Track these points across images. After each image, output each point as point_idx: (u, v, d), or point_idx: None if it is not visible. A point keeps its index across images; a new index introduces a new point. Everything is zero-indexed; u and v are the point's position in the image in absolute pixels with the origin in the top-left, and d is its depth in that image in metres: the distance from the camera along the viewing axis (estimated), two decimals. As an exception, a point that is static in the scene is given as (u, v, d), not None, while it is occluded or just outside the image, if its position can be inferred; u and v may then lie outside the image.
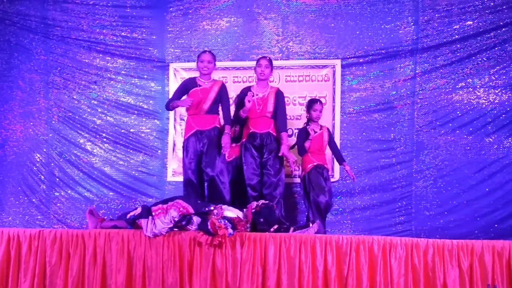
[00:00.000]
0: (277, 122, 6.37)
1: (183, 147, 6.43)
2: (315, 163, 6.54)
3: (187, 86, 6.40)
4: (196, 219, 5.60)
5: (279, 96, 6.45)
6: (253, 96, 6.19)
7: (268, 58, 6.55)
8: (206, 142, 6.22)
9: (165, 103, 6.71)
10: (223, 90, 6.41)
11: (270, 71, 6.47)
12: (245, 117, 6.47)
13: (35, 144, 8.16)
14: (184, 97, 6.45)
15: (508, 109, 7.12)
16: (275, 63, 7.49)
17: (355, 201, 7.29)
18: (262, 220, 5.73)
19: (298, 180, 7.30)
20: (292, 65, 7.67)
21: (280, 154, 6.25)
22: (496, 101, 7.17)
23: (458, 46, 7.30)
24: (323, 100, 7.47)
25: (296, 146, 6.77)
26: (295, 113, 7.59)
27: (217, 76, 7.64)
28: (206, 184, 6.42)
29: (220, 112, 6.44)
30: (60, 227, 7.72)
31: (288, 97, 7.57)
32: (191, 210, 5.57)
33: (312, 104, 6.67)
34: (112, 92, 8.04)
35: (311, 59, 7.64)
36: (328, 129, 6.83)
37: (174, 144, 7.77)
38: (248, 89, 6.51)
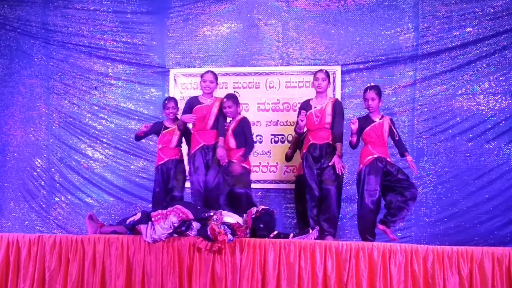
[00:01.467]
0: (333, 132, 6.26)
1: (189, 160, 6.57)
2: (375, 156, 6.11)
3: (191, 104, 6.57)
4: (195, 225, 5.60)
5: (336, 106, 6.31)
6: (305, 115, 6.19)
7: (324, 71, 6.42)
8: (211, 155, 6.44)
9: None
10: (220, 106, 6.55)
11: (327, 84, 6.37)
12: (303, 133, 6.48)
13: (35, 149, 8.18)
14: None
15: (508, 115, 7.13)
16: (275, 69, 7.57)
17: (355, 207, 7.25)
18: (262, 225, 5.73)
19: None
20: (293, 71, 7.68)
21: (330, 164, 6.13)
22: (496, 107, 7.17)
23: (458, 52, 7.31)
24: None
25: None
26: (295, 119, 7.55)
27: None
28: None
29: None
30: (60, 232, 7.72)
31: (288, 103, 7.59)
32: (191, 216, 5.57)
33: (364, 93, 6.30)
34: (113, 97, 8.06)
35: (312, 65, 7.65)
36: (391, 119, 6.33)
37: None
38: (307, 102, 6.41)
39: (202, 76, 6.62)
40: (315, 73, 6.40)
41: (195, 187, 6.47)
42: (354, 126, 6.05)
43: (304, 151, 6.32)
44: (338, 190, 6.21)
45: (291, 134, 7.44)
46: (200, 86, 6.67)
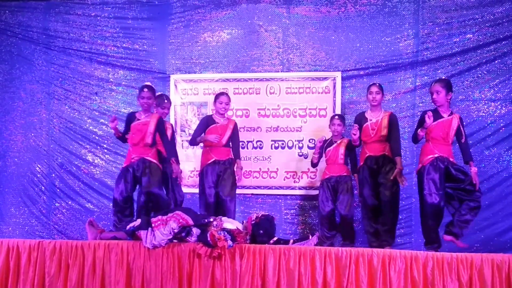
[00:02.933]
0: (391, 146, 6.29)
1: (200, 173, 6.77)
2: (436, 155, 5.92)
3: (207, 123, 6.78)
4: (195, 231, 5.59)
5: (392, 119, 6.36)
6: (357, 129, 6.29)
7: (378, 84, 6.50)
8: (222, 170, 6.66)
9: (190, 139, 6.92)
10: (236, 128, 6.86)
11: (381, 97, 6.44)
12: (358, 145, 6.50)
13: (36, 154, 8.19)
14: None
15: (508, 122, 7.13)
16: (275, 75, 7.59)
17: (355, 213, 7.25)
18: (261, 232, 5.74)
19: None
20: (293, 77, 7.70)
21: (391, 178, 6.14)
22: (496, 114, 7.18)
23: (458, 59, 7.33)
24: (322, 112, 7.52)
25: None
26: (296, 124, 7.61)
27: (218, 88, 7.71)
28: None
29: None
30: (60, 238, 7.73)
31: (289, 109, 7.60)
32: (191, 222, 5.57)
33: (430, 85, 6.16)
34: (113, 103, 8.07)
35: (312, 71, 7.68)
36: (460, 117, 6.04)
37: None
38: (362, 115, 6.51)
39: (217, 97, 6.81)
40: (368, 87, 6.52)
41: (206, 200, 6.64)
42: (430, 120, 5.82)
43: (361, 163, 6.43)
44: (397, 202, 6.32)
45: (291, 140, 7.47)
46: (215, 107, 6.84)
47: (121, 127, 6.53)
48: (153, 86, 6.55)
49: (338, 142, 6.65)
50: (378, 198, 6.29)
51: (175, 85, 7.93)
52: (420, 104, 7.36)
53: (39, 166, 8.17)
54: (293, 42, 7.75)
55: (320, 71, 7.66)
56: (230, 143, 6.81)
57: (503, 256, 5.17)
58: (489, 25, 7.24)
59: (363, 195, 6.39)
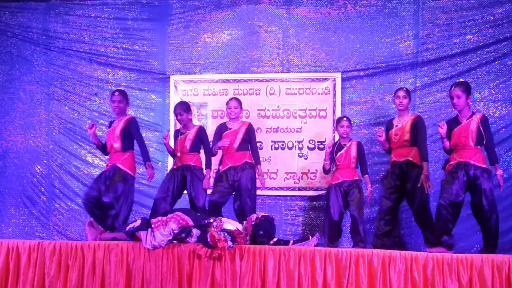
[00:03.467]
0: (419, 150, 6.21)
1: (216, 177, 6.88)
2: (456, 161, 5.89)
3: (220, 131, 6.81)
4: (195, 232, 5.60)
5: (415, 123, 6.29)
6: (383, 131, 6.36)
7: (405, 88, 6.49)
8: (239, 176, 6.63)
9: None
10: (250, 130, 6.83)
11: (408, 101, 6.39)
12: (387, 149, 6.53)
13: (35, 155, 8.18)
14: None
15: (508, 123, 7.13)
16: (275, 75, 7.60)
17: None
18: (261, 232, 5.73)
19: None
20: (293, 78, 7.69)
21: (419, 185, 6.07)
22: (496, 114, 7.17)
23: (458, 60, 7.33)
24: (322, 113, 7.52)
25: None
26: (296, 125, 7.60)
27: (218, 89, 7.71)
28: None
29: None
30: (60, 238, 7.71)
31: (289, 110, 7.60)
32: (191, 223, 5.57)
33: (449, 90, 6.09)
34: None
35: (312, 72, 7.67)
36: (482, 117, 5.93)
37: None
38: (390, 121, 6.50)
39: (227, 103, 6.85)
40: (395, 92, 6.49)
41: (215, 198, 6.63)
42: (442, 130, 5.89)
43: (389, 168, 6.45)
44: (427, 205, 6.23)
45: (291, 141, 7.49)
46: (226, 113, 6.90)
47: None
48: (125, 91, 6.69)
49: (348, 145, 6.59)
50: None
51: (175, 86, 7.92)
52: (420, 105, 7.36)
53: (38, 167, 8.17)
54: (293, 43, 7.75)
55: (320, 72, 7.65)
56: (249, 146, 6.79)
57: (503, 257, 5.18)
58: (489, 26, 7.24)
59: (383, 197, 6.41)
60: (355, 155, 6.54)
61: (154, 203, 6.65)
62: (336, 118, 7.25)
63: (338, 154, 6.58)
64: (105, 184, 6.36)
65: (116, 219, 6.27)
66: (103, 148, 6.64)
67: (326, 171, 6.77)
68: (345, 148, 6.57)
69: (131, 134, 6.49)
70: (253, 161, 6.78)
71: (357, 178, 6.55)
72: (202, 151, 6.80)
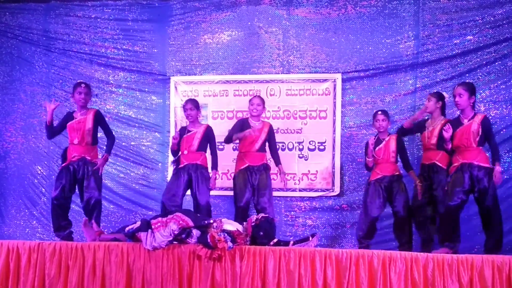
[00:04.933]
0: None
1: (234, 178, 6.77)
2: (460, 162, 5.86)
3: (242, 126, 6.68)
4: (195, 232, 5.59)
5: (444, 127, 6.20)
6: (450, 127, 6.00)
7: (434, 92, 6.49)
8: (257, 177, 6.60)
9: (225, 137, 6.83)
10: (271, 131, 6.77)
11: (435, 103, 6.34)
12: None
13: (36, 156, 8.19)
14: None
15: (509, 123, 7.12)
16: (275, 76, 7.62)
17: (355, 215, 7.25)
18: (261, 233, 5.72)
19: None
20: (293, 79, 7.70)
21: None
22: (497, 115, 7.16)
23: (459, 60, 7.32)
24: (323, 114, 7.52)
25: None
26: (296, 126, 7.61)
27: (218, 90, 7.71)
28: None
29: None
30: (60, 239, 7.70)
31: (289, 111, 7.60)
32: (191, 223, 5.56)
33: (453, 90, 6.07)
34: (113, 105, 8.07)
35: (312, 73, 7.68)
36: (483, 118, 5.90)
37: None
38: (423, 123, 6.47)
39: (250, 100, 6.77)
40: (428, 96, 6.51)
41: (237, 204, 6.62)
42: (447, 134, 5.83)
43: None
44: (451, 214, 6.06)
45: (291, 142, 7.49)
46: (248, 109, 6.76)
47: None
48: (89, 84, 6.65)
49: (387, 139, 6.43)
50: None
51: (175, 87, 7.93)
52: (421, 106, 7.31)
53: (39, 167, 8.17)
54: (293, 44, 7.75)
55: (320, 72, 7.66)
56: (267, 147, 6.77)
57: (504, 258, 5.16)
58: (489, 26, 7.23)
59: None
60: (394, 149, 6.37)
61: (163, 204, 6.61)
62: (335, 119, 7.27)
63: (377, 148, 6.40)
64: (75, 178, 6.41)
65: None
66: (51, 129, 6.52)
67: (368, 169, 6.56)
68: (383, 142, 6.40)
69: (99, 127, 6.59)
70: (273, 161, 6.82)
71: (398, 173, 6.41)
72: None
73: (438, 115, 6.40)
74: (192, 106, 6.64)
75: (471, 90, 5.93)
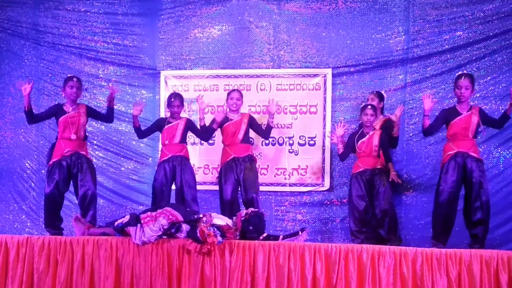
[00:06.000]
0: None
1: (220, 172, 6.77)
2: (455, 151, 5.92)
3: (222, 122, 6.70)
4: (185, 227, 5.57)
5: (480, 113, 6.14)
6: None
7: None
8: (242, 168, 6.63)
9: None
10: (251, 120, 6.82)
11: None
12: None
13: (25, 151, 8.16)
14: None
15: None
16: (265, 71, 7.62)
17: (345, 210, 7.25)
18: (251, 228, 5.71)
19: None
20: (283, 74, 7.70)
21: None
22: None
23: (448, 56, 7.33)
24: (313, 109, 7.52)
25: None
26: (286, 121, 7.61)
27: (208, 85, 7.70)
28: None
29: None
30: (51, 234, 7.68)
31: (279, 106, 7.59)
32: (180, 218, 5.55)
33: (457, 80, 5.98)
34: (103, 99, 8.00)
35: (302, 67, 7.68)
36: (480, 110, 6.03)
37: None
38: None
39: (229, 94, 6.80)
40: (372, 96, 6.71)
41: (223, 197, 6.65)
42: (429, 106, 6.02)
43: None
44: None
45: (281, 137, 7.49)
46: (227, 104, 6.82)
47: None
48: (80, 78, 6.66)
49: (371, 133, 6.43)
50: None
51: (165, 81, 7.91)
52: (410, 101, 7.37)
53: (28, 162, 8.14)
54: (283, 39, 7.74)
55: (310, 67, 7.66)
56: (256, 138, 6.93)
57: (492, 252, 5.20)
58: (479, 22, 7.24)
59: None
60: (377, 143, 6.38)
61: (154, 198, 6.67)
62: (326, 114, 7.28)
63: (360, 142, 6.42)
64: (69, 173, 6.41)
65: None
66: (30, 114, 6.41)
67: (341, 157, 6.62)
68: (367, 137, 6.41)
69: (93, 116, 6.71)
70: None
71: (379, 166, 6.43)
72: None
73: (379, 115, 6.56)
74: (180, 103, 6.70)
75: (474, 83, 6.01)
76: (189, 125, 6.75)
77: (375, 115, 6.47)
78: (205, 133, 6.80)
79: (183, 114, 6.97)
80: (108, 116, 6.78)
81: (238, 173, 6.63)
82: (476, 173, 5.86)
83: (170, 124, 6.66)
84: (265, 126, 6.92)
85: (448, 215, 5.96)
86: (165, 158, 6.65)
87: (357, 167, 6.46)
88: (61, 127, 6.43)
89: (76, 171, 6.41)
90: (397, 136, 6.52)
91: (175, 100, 6.67)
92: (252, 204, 6.48)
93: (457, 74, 6.13)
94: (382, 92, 7.01)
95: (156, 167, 6.89)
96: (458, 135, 5.95)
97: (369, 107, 6.47)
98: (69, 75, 6.67)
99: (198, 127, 6.81)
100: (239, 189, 6.70)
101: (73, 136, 6.40)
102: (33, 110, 6.48)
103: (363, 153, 6.42)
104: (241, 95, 6.80)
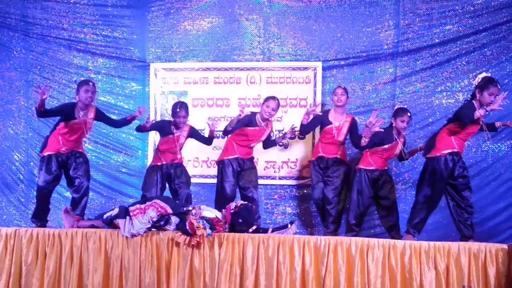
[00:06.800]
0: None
1: (219, 164, 6.79)
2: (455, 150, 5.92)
3: (250, 121, 6.64)
4: (174, 219, 5.56)
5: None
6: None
7: (343, 86, 6.65)
8: (244, 167, 6.73)
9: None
10: (271, 131, 6.92)
11: (346, 98, 6.62)
12: None
13: (14, 143, 8.12)
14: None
15: (487, 113, 7.15)
16: (256, 64, 7.60)
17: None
18: (240, 220, 5.70)
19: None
20: (274, 67, 7.69)
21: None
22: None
23: (438, 50, 7.36)
24: (303, 102, 7.52)
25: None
26: (276, 114, 7.52)
27: (198, 77, 7.69)
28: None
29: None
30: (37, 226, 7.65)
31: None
32: (169, 210, 5.54)
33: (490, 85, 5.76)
34: (92, 91, 7.99)
35: (293, 61, 7.68)
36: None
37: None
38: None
39: (266, 100, 6.66)
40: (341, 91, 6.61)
41: (222, 192, 6.69)
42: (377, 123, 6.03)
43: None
44: None
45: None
46: (261, 110, 6.66)
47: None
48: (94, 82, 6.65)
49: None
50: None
51: (155, 74, 7.88)
52: (400, 95, 7.40)
53: (17, 154, 8.10)
54: (274, 32, 7.74)
55: (301, 61, 7.66)
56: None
57: (480, 245, 5.24)
58: (469, 16, 7.27)
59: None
60: (399, 151, 6.43)
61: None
62: (319, 106, 7.26)
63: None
64: (63, 168, 6.45)
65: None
66: (42, 112, 6.24)
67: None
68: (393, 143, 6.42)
69: (102, 119, 6.72)
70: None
71: (386, 168, 6.56)
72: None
73: (344, 111, 6.62)
74: (186, 113, 6.63)
75: None
76: (192, 133, 6.77)
77: (409, 123, 6.44)
78: (209, 141, 6.87)
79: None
80: (117, 124, 6.95)
81: (240, 172, 6.71)
82: (460, 169, 5.93)
83: (173, 136, 6.65)
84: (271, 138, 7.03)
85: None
86: (158, 163, 6.68)
87: (367, 163, 6.46)
88: (66, 127, 6.37)
89: (70, 166, 6.43)
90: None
91: (181, 110, 6.60)
92: (252, 202, 6.44)
93: (489, 78, 5.83)
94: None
95: (145, 160, 6.88)
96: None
97: (408, 114, 6.31)
98: (83, 79, 6.64)
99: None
100: (239, 187, 6.76)
101: (73, 138, 6.41)
102: (46, 107, 6.34)
103: (379, 153, 6.42)
104: (278, 105, 6.70)
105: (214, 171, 7.15)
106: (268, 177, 7.61)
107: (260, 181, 7.53)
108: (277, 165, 7.63)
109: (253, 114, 6.72)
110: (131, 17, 8.00)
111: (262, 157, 7.60)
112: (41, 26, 8.13)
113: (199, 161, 7.78)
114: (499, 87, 5.77)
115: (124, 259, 5.52)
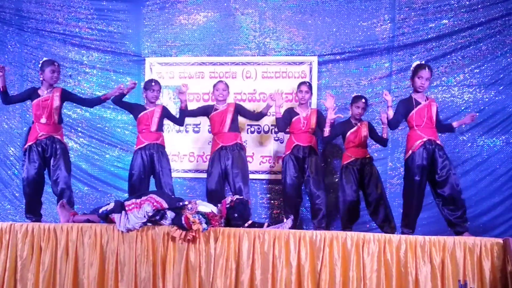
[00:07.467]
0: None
1: (210, 161, 6.83)
2: (424, 139, 5.92)
3: (207, 111, 6.86)
4: (170, 214, 5.55)
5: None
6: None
7: (308, 83, 6.83)
8: (230, 156, 6.70)
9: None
10: (238, 108, 6.91)
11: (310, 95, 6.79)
12: None
13: (9, 137, 8.09)
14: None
15: (482, 107, 7.19)
16: (251, 59, 7.60)
17: (331, 198, 7.26)
18: (236, 215, 5.71)
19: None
20: (269, 61, 7.68)
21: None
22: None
23: (434, 44, 7.36)
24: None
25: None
26: (272, 109, 7.50)
27: (194, 72, 7.67)
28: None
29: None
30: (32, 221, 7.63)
31: (265, 93, 7.59)
32: (165, 205, 5.53)
33: (417, 70, 5.97)
34: (88, 86, 7.99)
35: (288, 55, 7.67)
36: (435, 102, 6.15)
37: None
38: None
39: (214, 85, 6.86)
40: (306, 89, 6.72)
41: (211, 185, 6.71)
42: (389, 97, 6.01)
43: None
44: None
45: (267, 125, 7.49)
46: (213, 95, 6.92)
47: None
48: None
49: (359, 124, 6.58)
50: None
51: (150, 68, 7.86)
52: (396, 90, 7.39)
53: (12, 149, 8.07)
54: (269, 26, 7.72)
55: (296, 55, 7.65)
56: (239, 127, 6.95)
57: (475, 239, 5.24)
58: (464, 11, 7.28)
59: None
60: (366, 134, 6.54)
61: (132, 186, 6.66)
62: (311, 102, 7.26)
63: (349, 133, 6.55)
64: (44, 157, 6.39)
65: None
66: (4, 95, 6.42)
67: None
68: (355, 128, 6.55)
69: (70, 99, 6.72)
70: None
71: (368, 155, 6.61)
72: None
73: (308, 106, 6.75)
74: (159, 88, 6.77)
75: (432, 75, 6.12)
76: (165, 113, 6.80)
77: (365, 109, 6.58)
78: (180, 118, 6.86)
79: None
80: (89, 102, 6.99)
81: (226, 162, 6.68)
82: (441, 158, 5.89)
83: (146, 111, 6.67)
84: (256, 111, 7.04)
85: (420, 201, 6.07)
86: (141, 145, 6.68)
87: (346, 157, 6.56)
88: (34, 110, 6.41)
89: (49, 155, 6.39)
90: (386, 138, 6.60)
91: (156, 84, 6.73)
92: (240, 193, 6.50)
93: (416, 63, 6.05)
94: None
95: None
96: (421, 123, 5.93)
97: (363, 100, 6.51)
98: (46, 59, 6.59)
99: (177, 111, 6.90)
100: (228, 178, 6.72)
101: (43, 120, 6.36)
102: (8, 92, 6.47)
103: (353, 143, 6.52)
104: (227, 86, 6.85)
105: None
106: (263, 172, 7.62)
107: (256, 176, 7.61)
108: (273, 159, 7.63)
109: (211, 105, 6.96)
110: (126, 11, 7.97)
111: (257, 151, 7.60)
112: (36, 20, 8.09)
113: (194, 156, 7.77)
114: (428, 69, 5.92)
115: (120, 253, 5.51)
